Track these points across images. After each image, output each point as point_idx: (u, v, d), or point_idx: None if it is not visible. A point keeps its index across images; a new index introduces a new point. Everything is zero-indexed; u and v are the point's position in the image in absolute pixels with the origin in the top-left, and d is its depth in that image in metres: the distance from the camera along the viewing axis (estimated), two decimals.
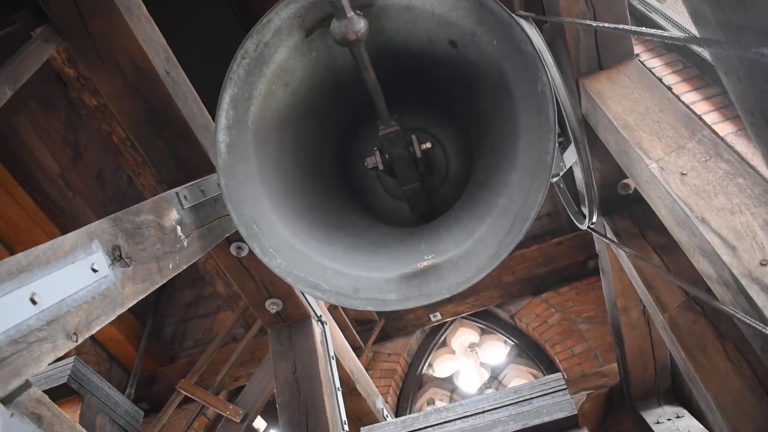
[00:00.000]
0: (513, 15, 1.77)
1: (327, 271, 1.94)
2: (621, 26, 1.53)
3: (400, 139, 2.20)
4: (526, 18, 2.64)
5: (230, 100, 1.89)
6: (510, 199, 1.85)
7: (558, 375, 1.70)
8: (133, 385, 5.77)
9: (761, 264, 1.53)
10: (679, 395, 3.95)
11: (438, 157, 2.51)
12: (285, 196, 2.06)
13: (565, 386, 1.67)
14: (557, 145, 2.67)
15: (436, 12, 1.89)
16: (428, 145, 2.27)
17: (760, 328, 1.34)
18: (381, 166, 2.26)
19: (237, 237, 2.55)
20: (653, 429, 3.72)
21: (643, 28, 1.50)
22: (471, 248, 1.86)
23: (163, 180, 2.43)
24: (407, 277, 1.89)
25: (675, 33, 1.37)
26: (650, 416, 3.83)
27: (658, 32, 1.30)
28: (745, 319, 1.42)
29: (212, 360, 5.40)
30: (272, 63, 1.91)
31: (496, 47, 1.86)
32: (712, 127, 2.40)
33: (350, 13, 1.72)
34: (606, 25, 1.74)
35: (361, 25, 1.75)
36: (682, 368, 2.43)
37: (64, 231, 5.60)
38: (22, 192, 5.30)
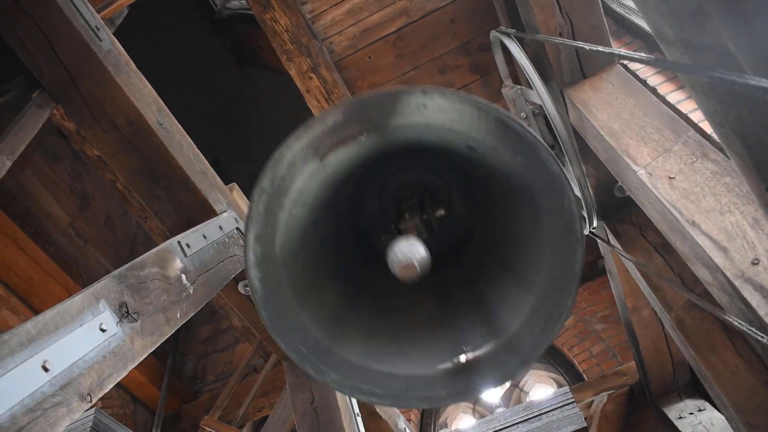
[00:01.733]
0: (537, 136, 1.71)
1: (377, 375, 1.93)
2: (595, 46, 1.57)
3: (416, 210, 2.16)
4: (508, 35, 2.69)
5: (255, 238, 1.83)
6: (540, 300, 1.81)
7: (566, 389, 1.74)
8: (158, 426, 5.81)
9: (753, 263, 1.56)
10: (700, 388, 3.93)
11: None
12: (322, 308, 2.03)
13: (573, 400, 1.70)
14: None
15: (456, 129, 1.81)
16: (443, 212, 2.24)
17: (754, 333, 1.36)
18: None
19: (243, 276, 2.59)
20: (676, 424, 3.71)
21: (615, 49, 1.53)
22: (507, 344, 1.84)
23: (165, 228, 2.48)
24: (452, 373, 1.87)
25: (644, 55, 1.40)
26: (672, 411, 3.82)
27: (629, 53, 1.34)
28: (739, 325, 1.44)
29: (234, 393, 5.44)
30: (290, 192, 1.84)
31: (519, 162, 1.76)
32: (699, 124, 2.42)
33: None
34: (579, 44, 1.78)
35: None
36: (694, 366, 2.45)
37: (77, 280, 5.68)
38: (33, 245, 5.38)
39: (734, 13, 1.04)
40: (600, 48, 1.64)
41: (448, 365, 1.84)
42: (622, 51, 1.34)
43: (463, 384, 1.79)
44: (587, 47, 1.72)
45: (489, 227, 2.25)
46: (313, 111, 4.44)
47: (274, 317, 1.86)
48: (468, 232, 2.30)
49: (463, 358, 1.84)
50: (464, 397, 1.79)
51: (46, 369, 1.34)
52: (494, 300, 2.02)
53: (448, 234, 2.31)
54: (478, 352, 1.84)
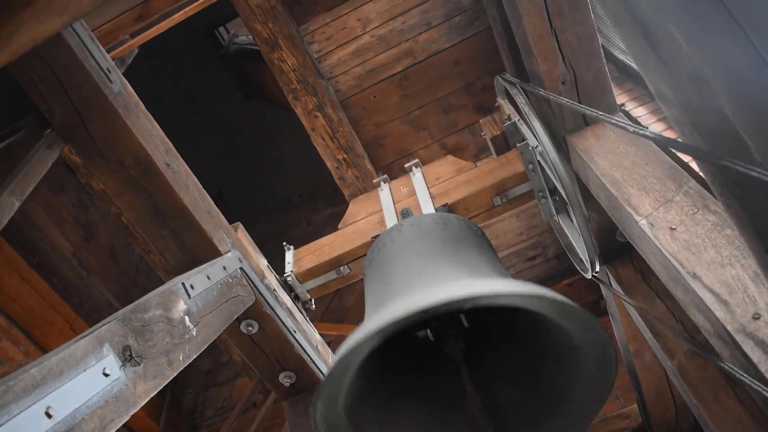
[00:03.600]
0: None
1: None
2: (596, 112, 1.60)
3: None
4: (513, 84, 2.74)
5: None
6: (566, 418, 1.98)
7: None
8: None
9: (754, 318, 1.56)
10: None
11: None
12: None
13: None
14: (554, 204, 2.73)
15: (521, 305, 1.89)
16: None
17: (756, 386, 1.37)
18: None
19: (246, 316, 2.60)
20: None
21: (613, 118, 1.57)
22: None
23: (169, 267, 2.49)
24: None
25: (649, 132, 1.43)
26: None
27: (631, 125, 1.37)
28: (742, 377, 1.44)
29: (233, 428, 5.41)
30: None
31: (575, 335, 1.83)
32: (700, 174, 2.44)
33: None
34: (583, 108, 1.81)
35: None
36: (697, 415, 2.43)
37: (79, 311, 5.68)
38: (36, 276, 5.39)
39: (731, 78, 1.07)
40: (601, 115, 1.67)
41: None
42: (623, 122, 1.37)
43: None
44: (589, 112, 1.76)
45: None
46: (318, 149, 4.49)
47: None
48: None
49: None
50: None
51: (49, 415, 1.34)
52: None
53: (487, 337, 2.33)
54: None
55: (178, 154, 2.52)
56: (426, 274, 2.06)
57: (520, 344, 2.19)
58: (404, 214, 2.89)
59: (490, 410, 2.09)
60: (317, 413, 1.85)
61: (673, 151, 2.67)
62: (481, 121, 3.21)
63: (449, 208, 2.93)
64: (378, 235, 3.00)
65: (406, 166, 3.25)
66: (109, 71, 2.29)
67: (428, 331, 2.15)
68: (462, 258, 2.16)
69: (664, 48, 1.15)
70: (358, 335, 1.68)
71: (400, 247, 2.38)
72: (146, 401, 1.70)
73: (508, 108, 2.94)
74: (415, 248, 2.30)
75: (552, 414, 2.05)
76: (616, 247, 2.89)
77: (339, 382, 1.85)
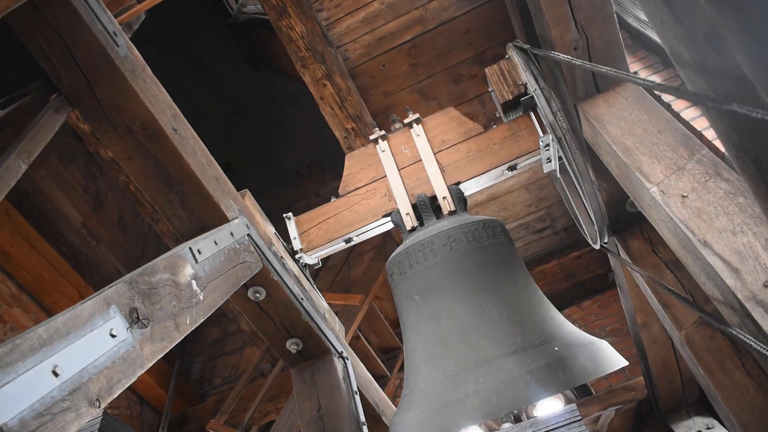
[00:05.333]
0: None
1: None
2: (606, 68, 1.57)
3: None
4: (524, 50, 2.70)
5: None
6: None
7: (573, 406, 1.73)
8: (164, 427, 5.83)
9: (765, 285, 1.55)
10: (709, 405, 3.91)
11: None
12: None
13: (579, 417, 1.69)
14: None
15: None
16: None
17: (766, 353, 1.36)
18: None
19: (253, 282, 2.60)
20: None
21: (629, 74, 1.54)
22: None
23: (177, 233, 2.49)
24: None
25: (659, 83, 1.40)
26: (680, 429, 3.80)
27: (645, 80, 1.34)
28: (753, 343, 1.43)
29: (241, 396, 5.46)
30: None
31: None
32: (713, 142, 2.41)
33: None
34: (596, 66, 1.78)
35: None
36: (703, 385, 2.43)
37: (88, 280, 5.72)
38: (46, 245, 5.43)
39: (750, 36, 1.04)
40: (616, 71, 1.64)
41: None
42: (639, 78, 1.34)
43: None
44: (603, 69, 1.72)
45: None
46: (326, 119, 4.46)
47: None
48: None
49: None
50: None
51: (56, 374, 1.35)
52: None
53: None
54: None
55: (185, 120, 2.51)
56: (481, 341, 2.13)
57: None
58: (420, 201, 2.83)
59: None
60: None
61: (688, 120, 2.64)
62: (486, 70, 3.03)
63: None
64: (390, 213, 2.97)
65: (406, 121, 3.12)
66: (116, 35, 2.27)
67: None
68: (509, 299, 2.26)
69: (679, 5, 1.12)
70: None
71: (437, 277, 2.41)
72: (153, 363, 1.71)
73: (520, 63, 2.84)
74: (456, 282, 2.36)
75: None
76: (626, 217, 2.86)
77: None
